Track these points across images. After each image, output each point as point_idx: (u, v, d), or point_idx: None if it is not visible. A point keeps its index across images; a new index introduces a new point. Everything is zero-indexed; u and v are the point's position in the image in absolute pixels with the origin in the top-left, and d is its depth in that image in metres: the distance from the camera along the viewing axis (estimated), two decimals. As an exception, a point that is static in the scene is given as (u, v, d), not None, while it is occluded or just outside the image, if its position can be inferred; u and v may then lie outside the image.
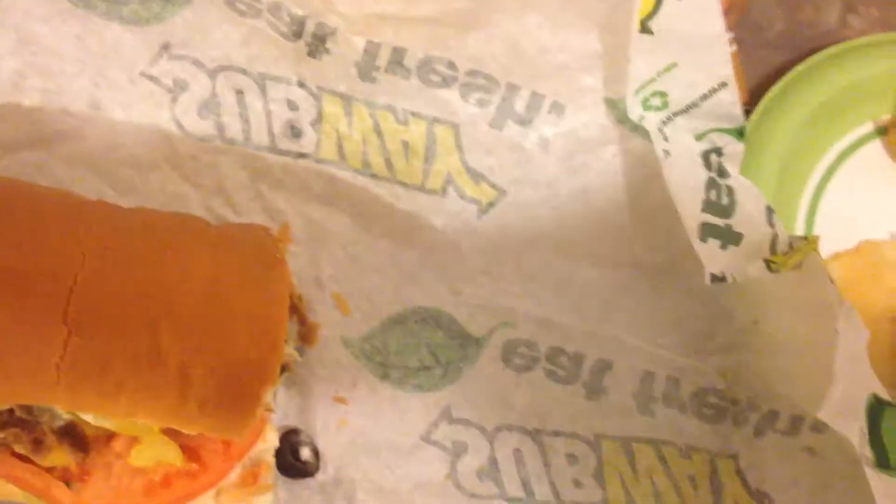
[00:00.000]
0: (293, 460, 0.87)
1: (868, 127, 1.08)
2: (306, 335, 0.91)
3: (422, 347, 0.96)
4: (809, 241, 0.85)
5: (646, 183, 0.96)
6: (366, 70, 0.95)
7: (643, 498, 0.93)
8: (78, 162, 0.94)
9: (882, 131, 1.08)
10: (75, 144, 0.94)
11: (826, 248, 0.92)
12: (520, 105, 0.95)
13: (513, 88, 0.95)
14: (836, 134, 1.09)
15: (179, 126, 0.95)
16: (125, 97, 0.93)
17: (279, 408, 0.88)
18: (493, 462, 0.92)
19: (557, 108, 0.95)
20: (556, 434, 0.94)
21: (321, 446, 0.89)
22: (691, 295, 0.97)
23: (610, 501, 0.92)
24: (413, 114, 0.97)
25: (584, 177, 0.96)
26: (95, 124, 0.94)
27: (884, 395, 0.81)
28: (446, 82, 0.95)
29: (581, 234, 0.98)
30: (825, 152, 1.09)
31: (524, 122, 0.96)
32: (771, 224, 0.89)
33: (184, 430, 0.73)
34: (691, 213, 0.87)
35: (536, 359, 0.97)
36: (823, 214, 1.07)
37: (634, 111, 0.92)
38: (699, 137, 0.91)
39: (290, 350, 0.87)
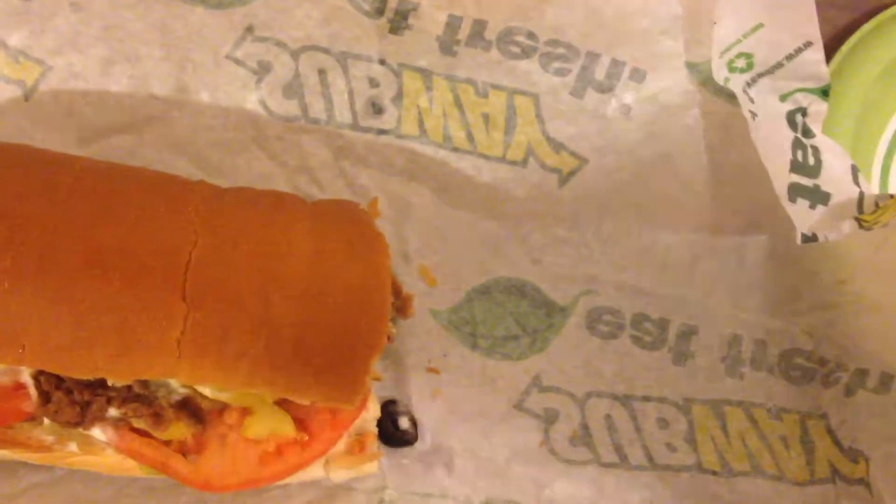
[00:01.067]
0: (393, 430, 0.89)
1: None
2: (402, 307, 0.92)
3: (508, 317, 0.97)
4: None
5: (727, 146, 0.96)
6: (447, 44, 0.95)
7: (736, 459, 0.94)
8: (167, 145, 0.96)
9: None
10: (164, 128, 0.96)
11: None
12: (600, 72, 0.96)
13: (593, 56, 0.95)
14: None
15: (265, 107, 0.96)
16: (211, 80, 0.95)
17: (379, 381, 0.90)
18: (585, 428, 0.94)
19: (638, 74, 0.96)
20: (646, 399, 0.95)
21: (418, 416, 0.91)
22: (774, 257, 0.98)
23: (704, 464, 0.93)
24: (493, 86, 0.98)
25: (666, 141, 0.97)
26: (183, 108, 0.96)
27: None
28: (526, 53, 0.95)
29: (662, 200, 0.98)
30: (896, 109, 1.09)
31: (605, 89, 0.96)
32: (857, 183, 0.89)
33: (298, 400, 0.75)
34: (779, 174, 0.88)
35: (621, 325, 0.98)
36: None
37: (719, 73, 0.92)
38: (784, 98, 0.90)
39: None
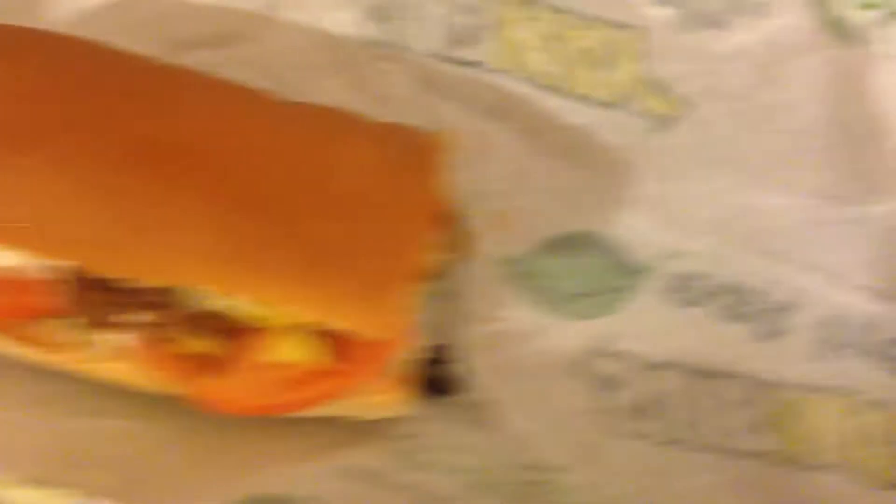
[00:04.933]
0: (440, 376, 0.83)
1: None
2: (462, 248, 0.86)
3: (582, 273, 0.89)
4: None
5: (852, 99, 0.84)
6: (546, -31, 0.89)
7: (816, 451, 0.82)
8: (251, 64, 0.93)
9: None
10: (250, 46, 0.93)
11: None
12: (715, 5, 0.86)
13: (705, -15, 0.86)
14: None
15: (354, 30, 0.92)
16: (303, -1, 0.92)
17: (429, 322, 0.84)
18: (653, 399, 0.85)
19: (758, 10, 0.85)
20: (726, 376, 0.86)
21: (470, 365, 0.85)
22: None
23: (786, 449, 0.83)
24: (595, 17, 0.90)
25: (784, 89, 0.87)
26: (271, 26, 0.93)
27: None
28: (631, -20, 0.87)
29: (774, 157, 0.88)
30: None
31: (719, 24, 0.87)
32: None
33: (328, 324, 0.71)
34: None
35: (708, 294, 0.88)
36: None
37: (844, 10, 0.80)
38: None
39: (442, 260, 0.83)
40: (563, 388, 0.85)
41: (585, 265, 0.90)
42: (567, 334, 0.87)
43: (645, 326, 0.87)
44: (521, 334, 0.87)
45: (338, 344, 0.74)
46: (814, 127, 0.86)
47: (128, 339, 0.74)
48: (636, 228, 0.90)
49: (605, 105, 0.91)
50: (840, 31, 0.83)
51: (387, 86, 0.93)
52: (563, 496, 0.79)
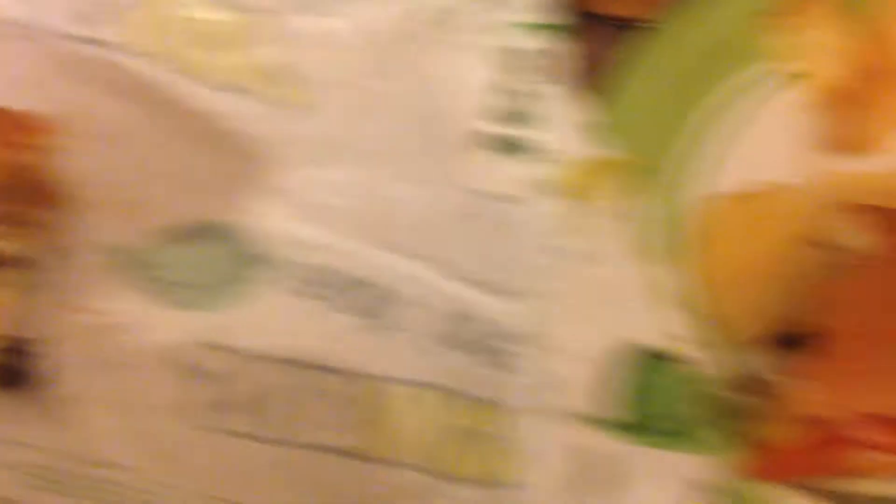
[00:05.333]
0: (14, 368, 0.78)
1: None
2: (62, 235, 0.82)
3: (201, 264, 0.85)
4: (612, 163, 0.71)
5: (444, 89, 0.83)
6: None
7: (406, 444, 0.80)
8: None
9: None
10: None
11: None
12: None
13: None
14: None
15: None
16: None
17: (6, 312, 0.79)
18: (251, 395, 0.82)
19: None
20: (332, 371, 0.83)
21: (56, 358, 0.80)
22: (504, 225, 0.84)
23: (368, 445, 0.80)
24: (226, 2, 0.87)
25: (396, 77, 0.84)
26: None
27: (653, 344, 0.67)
28: (242, -36, 0.84)
29: (399, 146, 0.86)
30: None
31: (341, 13, 0.84)
32: (581, 141, 0.75)
33: None
34: (469, 119, 0.75)
35: (330, 287, 0.85)
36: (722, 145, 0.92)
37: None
38: (502, 30, 0.77)
39: (31, 247, 0.79)
40: (155, 382, 0.81)
41: (206, 256, 0.86)
42: (174, 327, 0.83)
43: (260, 320, 0.84)
44: (122, 326, 0.83)
45: None
46: (421, 112, 0.84)
47: None
48: (264, 219, 0.87)
49: (237, 91, 0.87)
50: (432, 18, 0.81)
51: (10, 65, 0.88)
52: (134, 495, 0.75)
